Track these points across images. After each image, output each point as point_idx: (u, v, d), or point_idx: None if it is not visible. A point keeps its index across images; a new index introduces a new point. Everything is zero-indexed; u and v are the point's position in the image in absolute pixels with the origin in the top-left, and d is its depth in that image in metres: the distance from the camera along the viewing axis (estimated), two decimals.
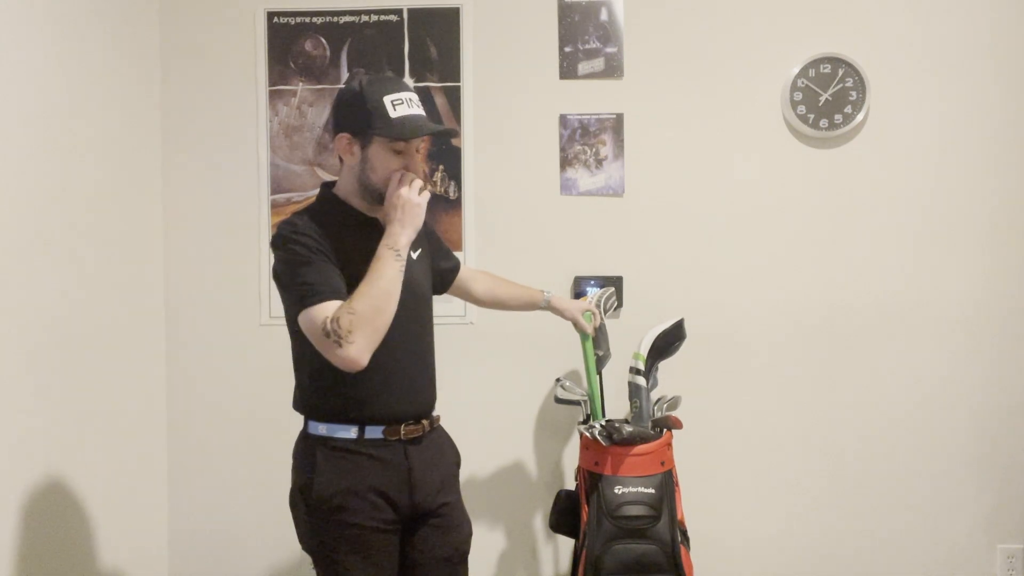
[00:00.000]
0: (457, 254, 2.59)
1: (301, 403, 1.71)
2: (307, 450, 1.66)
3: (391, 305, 1.55)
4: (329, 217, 1.66)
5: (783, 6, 2.54)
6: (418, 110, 1.67)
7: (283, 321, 2.66)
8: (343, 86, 1.74)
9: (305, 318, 1.54)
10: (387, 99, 1.63)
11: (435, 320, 2.71)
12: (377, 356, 1.56)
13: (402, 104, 1.64)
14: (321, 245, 1.58)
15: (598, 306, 2.32)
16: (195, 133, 2.64)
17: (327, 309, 1.51)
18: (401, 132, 1.62)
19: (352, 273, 1.58)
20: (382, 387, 1.65)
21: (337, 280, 1.57)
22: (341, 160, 1.69)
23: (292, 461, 1.72)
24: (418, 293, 1.76)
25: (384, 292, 1.54)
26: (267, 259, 2.64)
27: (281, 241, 1.60)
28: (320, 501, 1.61)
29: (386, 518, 1.64)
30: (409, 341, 1.72)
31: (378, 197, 1.66)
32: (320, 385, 1.65)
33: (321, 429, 1.65)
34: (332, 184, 1.75)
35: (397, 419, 1.67)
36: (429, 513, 1.72)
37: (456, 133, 1.75)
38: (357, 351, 1.50)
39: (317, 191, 1.76)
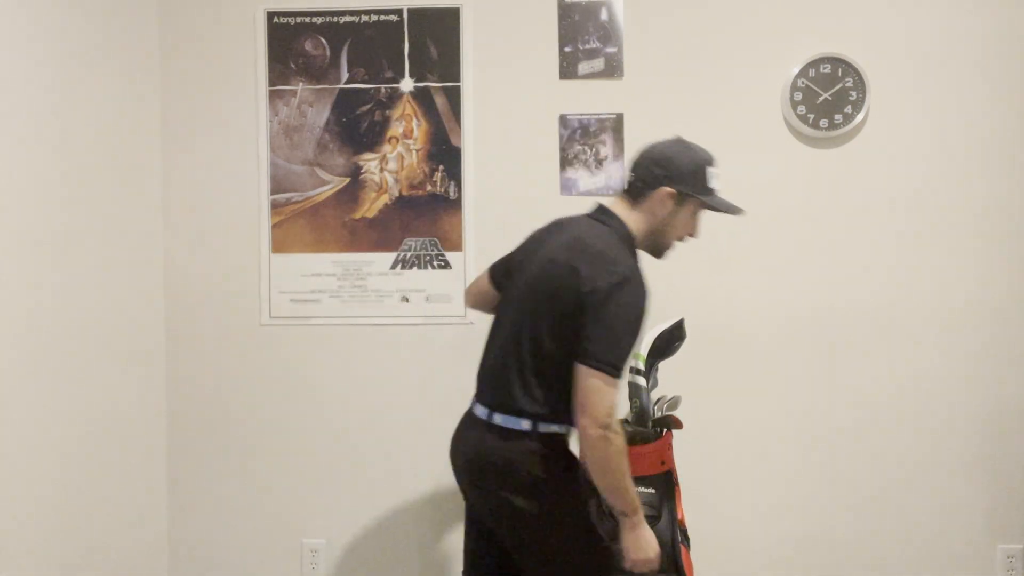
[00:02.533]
0: (457, 254, 2.60)
1: (547, 405, 1.72)
2: (560, 443, 1.76)
3: (610, 471, 1.67)
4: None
5: (783, 6, 2.54)
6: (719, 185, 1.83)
7: (283, 321, 2.68)
8: (659, 144, 1.81)
9: (603, 380, 1.63)
10: (709, 170, 1.80)
11: (435, 320, 2.73)
12: None
13: (715, 177, 1.82)
14: None
15: None
16: (195, 133, 2.64)
17: (616, 392, 1.64)
18: (727, 207, 1.81)
19: None
20: None
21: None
22: (631, 198, 1.79)
23: (535, 457, 1.72)
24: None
25: (618, 478, 1.68)
26: (267, 259, 2.64)
27: (634, 288, 1.68)
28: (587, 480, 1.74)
29: None
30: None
31: (661, 250, 1.85)
32: (564, 395, 1.71)
33: (559, 428, 1.75)
34: (622, 222, 1.79)
35: None
36: None
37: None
38: (595, 439, 1.63)
39: (593, 219, 1.82)
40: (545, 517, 1.72)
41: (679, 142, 1.82)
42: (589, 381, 1.64)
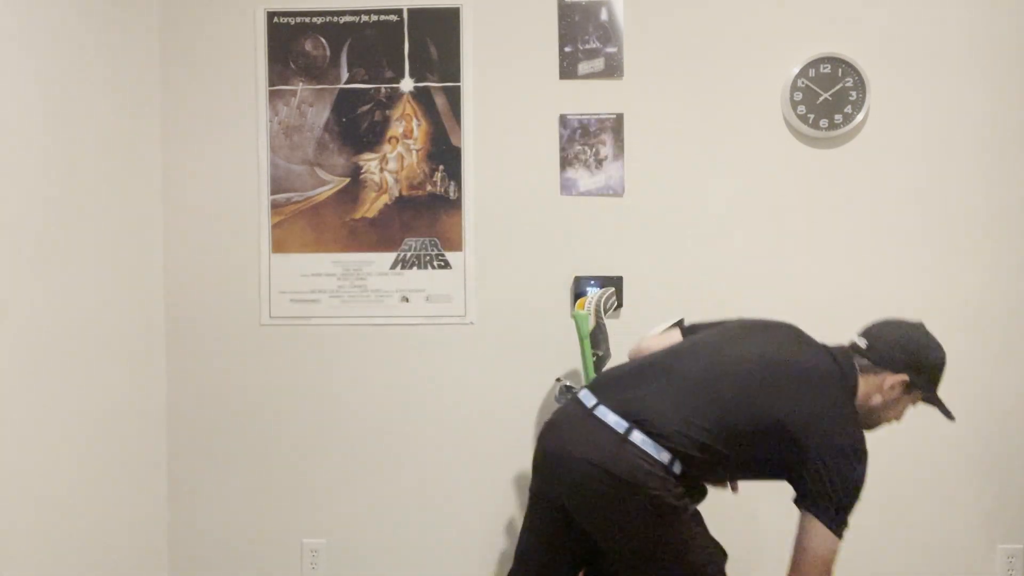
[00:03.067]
0: (457, 254, 2.60)
1: (695, 455, 1.70)
2: (677, 481, 1.72)
3: None
4: None
5: (783, 6, 2.54)
6: None
7: (283, 321, 2.68)
8: (913, 326, 1.85)
9: (827, 538, 1.66)
10: (942, 378, 1.83)
11: (435, 320, 2.73)
12: None
13: (942, 382, 1.83)
14: None
15: (598, 307, 2.32)
16: (195, 133, 2.65)
17: (835, 547, 1.66)
18: (945, 409, 1.83)
19: None
20: None
21: None
22: (868, 360, 1.78)
23: (659, 485, 1.69)
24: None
25: None
26: (267, 259, 2.64)
27: (860, 456, 1.67)
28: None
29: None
30: None
31: (868, 426, 1.79)
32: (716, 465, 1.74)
33: (683, 471, 1.72)
34: (856, 383, 1.78)
35: None
36: None
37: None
38: None
39: (839, 365, 1.78)
40: (656, 533, 1.71)
41: (925, 333, 1.83)
42: (821, 540, 1.66)
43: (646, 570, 1.74)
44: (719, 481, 1.92)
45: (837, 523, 1.66)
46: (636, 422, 1.70)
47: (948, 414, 1.83)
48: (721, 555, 1.84)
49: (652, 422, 1.69)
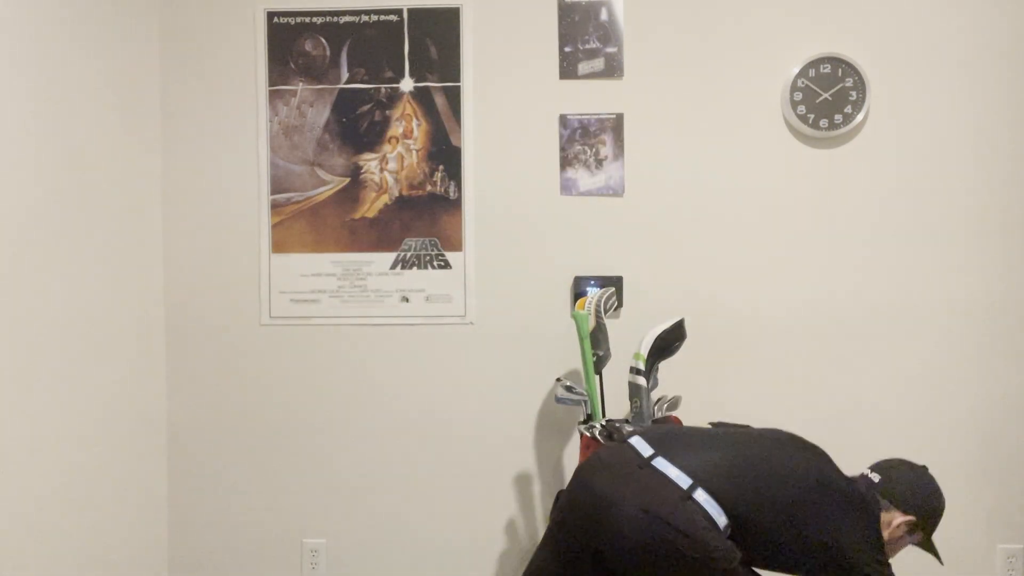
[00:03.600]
0: (457, 254, 2.60)
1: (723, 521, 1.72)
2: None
3: None
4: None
5: (783, 6, 2.54)
6: None
7: (283, 321, 2.68)
8: (924, 474, 1.93)
9: None
10: (939, 523, 1.91)
11: (435, 320, 2.73)
12: None
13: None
14: None
15: (598, 307, 2.32)
16: (195, 133, 2.64)
17: None
18: (937, 555, 1.94)
19: None
20: None
21: None
22: (883, 490, 1.86)
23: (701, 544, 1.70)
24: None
25: None
26: (267, 259, 2.64)
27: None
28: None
29: None
30: None
31: None
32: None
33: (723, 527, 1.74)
34: (880, 505, 1.84)
35: None
36: None
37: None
38: None
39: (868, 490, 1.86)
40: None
41: (932, 478, 1.93)
42: None
43: None
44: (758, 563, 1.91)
45: None
46: (699, 480, 1.70)
47: (940, 559, 1.95)
48: None
49: (716, 485, 1.70)
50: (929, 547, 1.91)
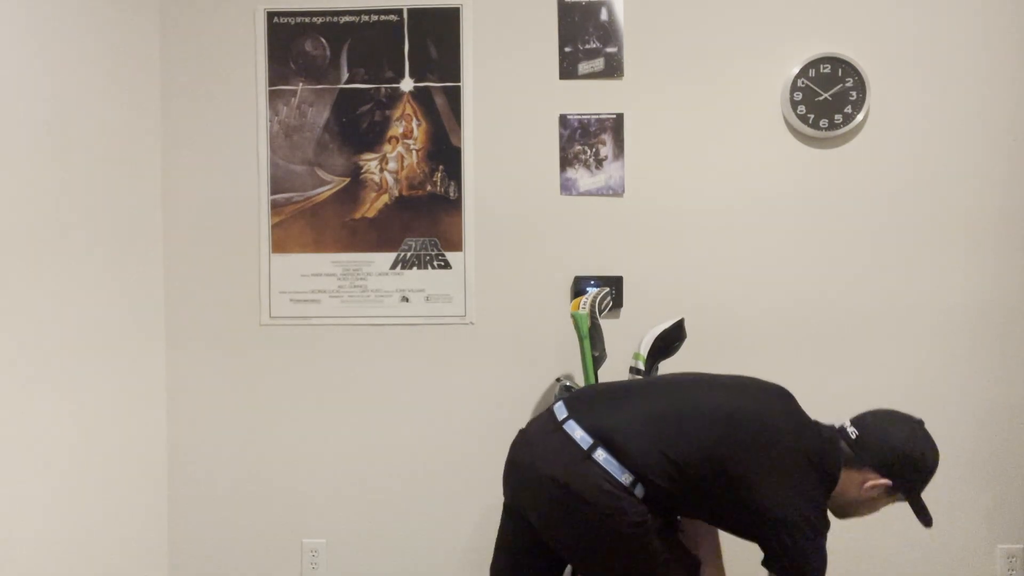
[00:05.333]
0: (457, 254, 2.60)
1: (656, 483, 1.67)
2: (640, 504, 1.68)
3: None
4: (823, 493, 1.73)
5: (783, 6, 2.54)
6: None
7: (283, 321, 2.68)
8: (914, 429, 1.79)
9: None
10: (927, 483, 1.76)
11: (435, 320, 2.73)
12: None
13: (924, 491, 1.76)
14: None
15: (593, 306, 2.32)
16: (195, 133, 2.64)
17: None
18: (928, 519, 1.78)
19: None
20: None
21: None
22: (855, 453, 1.74)
23: (619, 509, 1.67)
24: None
25: None
26: (267, 259, 2.64)
27: (813, 529, 1.66)
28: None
29: None
30: None
31: (842, 516, 1.80)
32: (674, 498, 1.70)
33: (643, 495, 1.69)
34: (839, 467, 1.74)
35: None
36: None
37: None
38: None
39: (831, 441, 1.77)
40: (616, 549, 1.68)
41: (923, 436, 1.78)
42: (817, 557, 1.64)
43: None
44: (687, 514, 1.86)
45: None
46: (602, 440, 1.67)
47: (927, 521, 1.79)
48: (691, 571, 1.78)
49: (619, 443, 1.66)
50: (915, 505, 1.78)
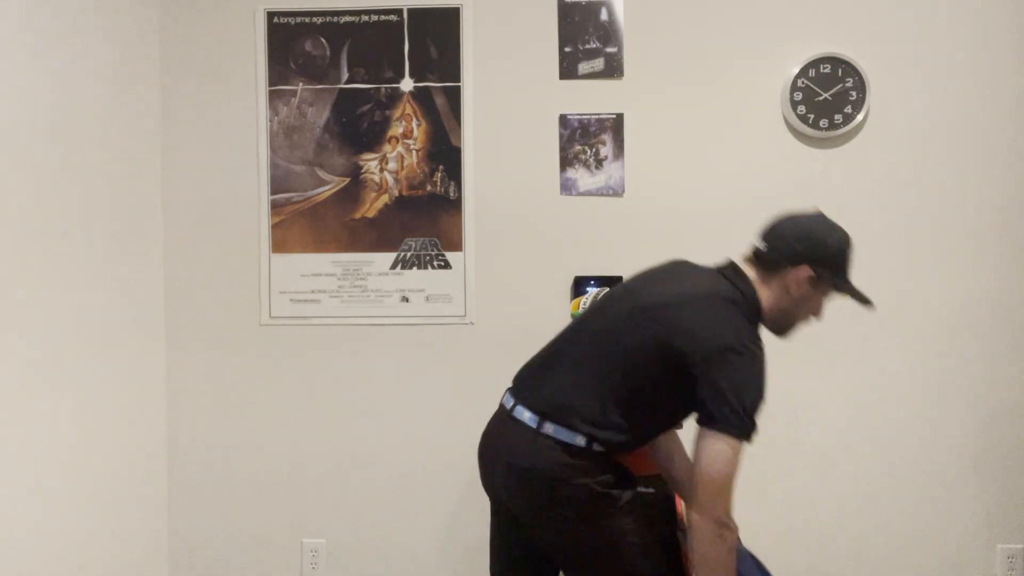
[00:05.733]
0: (457, 254, 2.60)
1: (610, 430, 1.64)
2: (605, 459, 1.67)
3: (718, 564, 1.60)
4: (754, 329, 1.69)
5: (783, 6, 2.54)
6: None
7: (283, 321, 2.68)
8: (812, 217, 1.74)
9: (728, 445, 1.55)
10: (849, 253, 1.72)
11: (435, 320, 2.72)
12: None
13: (851, 271, 1.74)
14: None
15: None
16: (195, 133, 2.65)
17: (731, 458, 1.56)
18: (861, 296, 1.73)
19: None
20: None
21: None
22: (763, 264, 1.71)
23: (581, 472, 1.64)
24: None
25: (723, 568, 1.61)
26: (267, 259, 2.64)
27: (744, 352, 1.59)
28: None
29: None
30: None
31: (782, 328, 1.76)
32: (633, 429, 1.66)
33: (604, 449, 1.67)
34: (752, 288, 1.71)
35: None
36: None
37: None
38: (708, 536, 1.57)
39: (723, 276, 1.72)
40: (590, 529, 1.66)
41: (823, 219, 1.74)
42: (718, 451, 1.56)
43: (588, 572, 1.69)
44: (647, 440, 1.81)
45: (734, 428, 1.55)
46: (546, 413, 1.67)
47: (864, 300, 1.74)
48: (661, 551, 1.75)
49: (560, 409, 1.66)
50: (847, 290, 1.73)
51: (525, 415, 1.70)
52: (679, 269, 1.80)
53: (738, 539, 1.70)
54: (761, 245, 1.74)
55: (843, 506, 2.58)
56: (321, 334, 2.65)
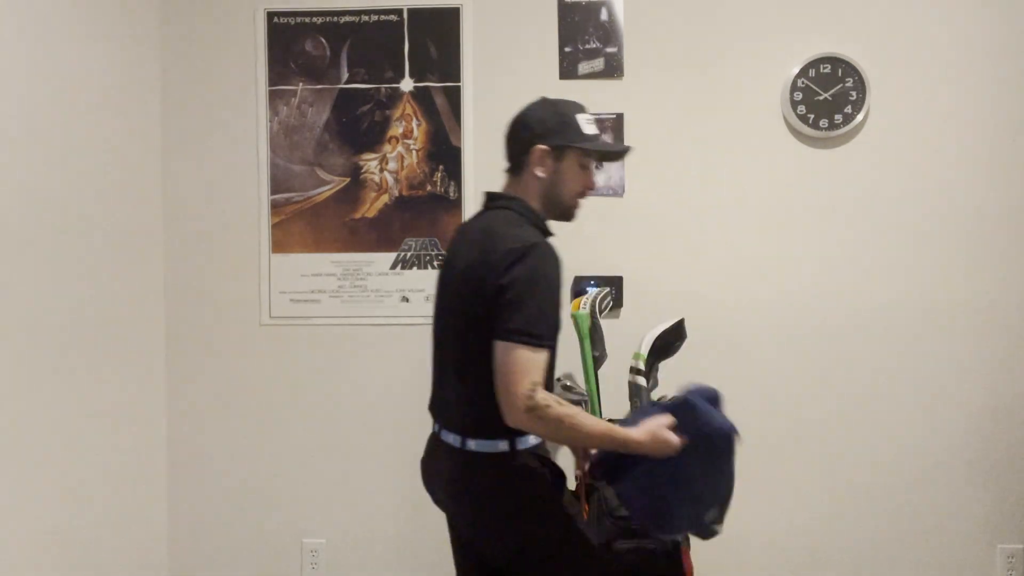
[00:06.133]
0: None
1: (491, 423, 1.59)
2: (533, 457, 1.65)
3: (565, 437, 1.61)
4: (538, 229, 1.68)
5: (783, 6, 2.54)
6: (598, 129, 1.76)
7: (283, 321, 2.68)
8: (524, 109, 1.72)
9: (522, 351, 1.51)
10: (580, 117, 1.70)
11: None
12: None
13: (589, 123, 1.71)
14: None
15: (593, 307, 2.32)
16: (195, 133, 2.64)
17: (543, 367, 1.53)
18: (608, 149, 1.73)
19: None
20: None
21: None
22: (514, 172, 1.71)
23: (514, 479, 1.62)
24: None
25: (579, 436, 1.58)
26: (267, 259, 2.64)
27: (538, 255, 1.56)
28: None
29: None
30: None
31: (563, 212, 1.73)
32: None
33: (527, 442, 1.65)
34: (515, 198, 1.70)
35: None
36: None
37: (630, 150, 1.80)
38: (526, 423, 1.52)
39: (489, 209, 1.71)
40: (532, 540, 1.64)
41: (542, 101, 1.73)
42: (507, 355, 1.51)
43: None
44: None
45: (519, 332, 1.51)
46: (464, 430, 1.64)
47: (612, 151, 1.79)
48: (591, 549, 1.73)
49: (473, 422, 1.63)
50: (594, 148, 1.71)
51: (450, 437, 1.68)
52: (459, 233, 1.78)
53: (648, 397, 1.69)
54: (506, 154, 1.74)
55: (843, 506, 2.58)
56: (321, 334, 2.65)
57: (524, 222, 1.67)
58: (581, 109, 1.73)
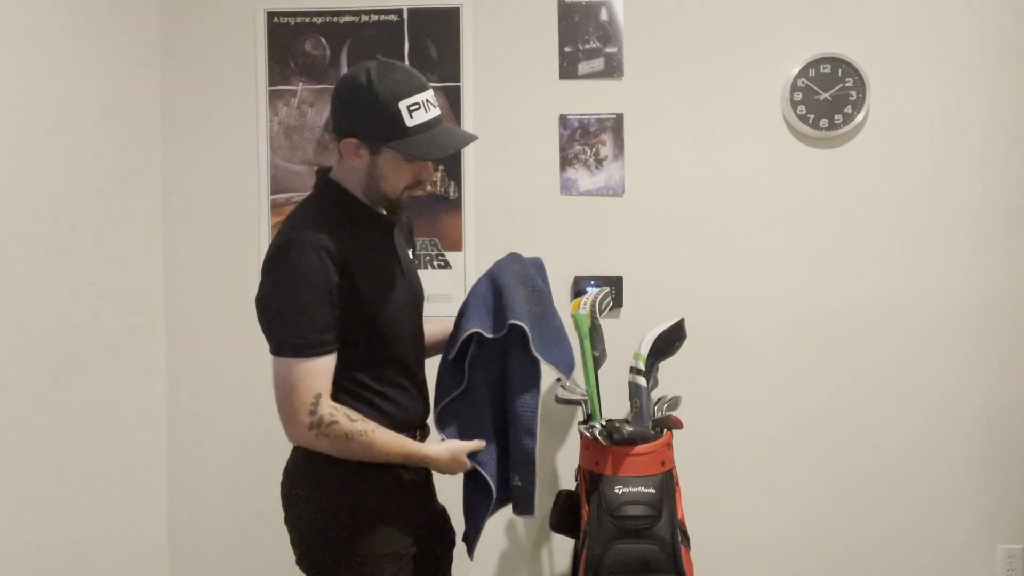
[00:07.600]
0: (457, 254, 2.60)
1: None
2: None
3: (357, 455, 1.51)
4: (337, 216, 1.50)
5: (783, 6, 2.54)
6: (435, 111, 1.47)
7: None
8: (348, 75, 1.49)
9: (286, 365, 1.43)
10: (403, 104, 1.41)
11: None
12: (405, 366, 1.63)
13: (419, 109, 1.43)
14: (335, 270, 1.42)
15: (593, 307, 2.32)
16: (195, 133, 2.64)
17: (321, 375, 1.40)
18: (420, 151, 1.43)
19: (368, 284, 1.49)
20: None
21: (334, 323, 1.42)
22: (341, 154, 1.52)
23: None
24: (420, 300, 1.79)
25: (372, 454, 1.51)
26: None
27: (287, 252, 1.42)
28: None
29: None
30: (420, 349, 1.78)
31: (391, 205, 1.55)
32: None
33: None
34: (331, 182, 1.57)
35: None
36: None
37: (475, 138, 1.56)
38: (312, 443, 1.46)
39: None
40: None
41: (366, 73, 1.42)
42: (278, 371, 1.42)
43: None
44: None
45: (283, 344, 1.44)
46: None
47: (440, 150, 1.47)
48: None
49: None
50: (417, 154, 1.45)
51: None
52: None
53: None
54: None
55: (843, 506, 2.58)
56: None
57: (311, 214, 1.49)
58: (411, 90, 1.42)
